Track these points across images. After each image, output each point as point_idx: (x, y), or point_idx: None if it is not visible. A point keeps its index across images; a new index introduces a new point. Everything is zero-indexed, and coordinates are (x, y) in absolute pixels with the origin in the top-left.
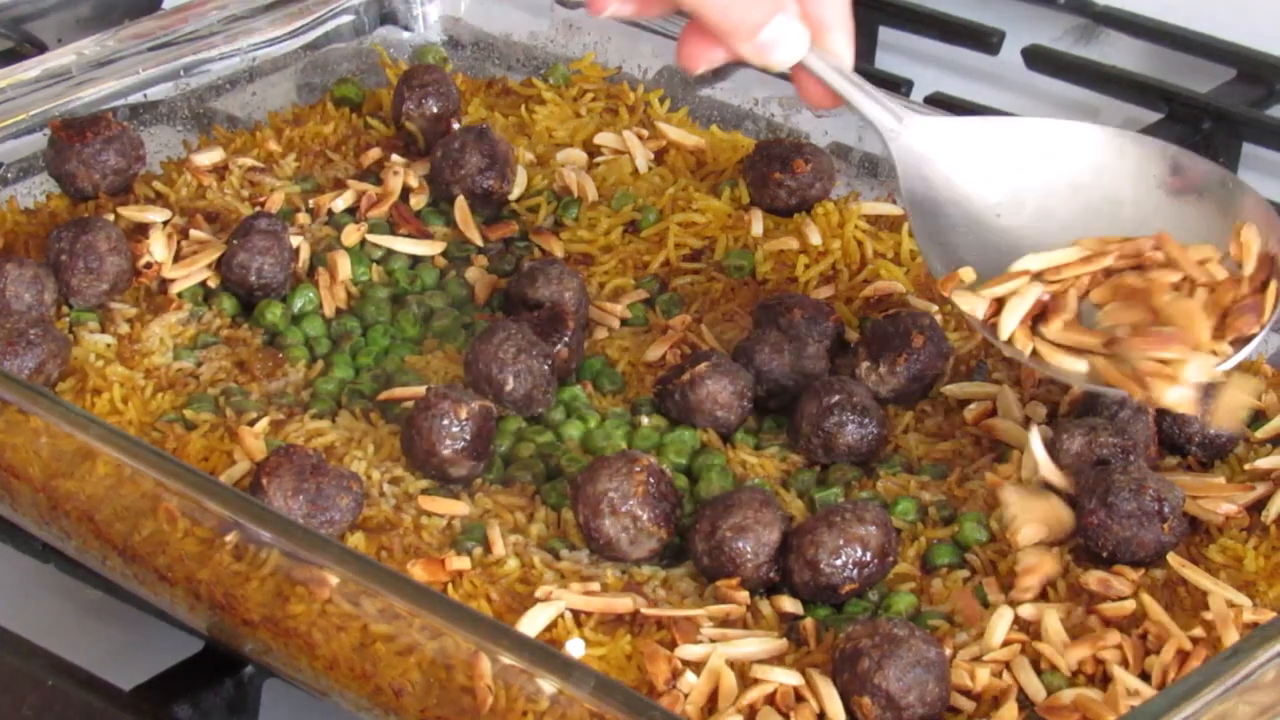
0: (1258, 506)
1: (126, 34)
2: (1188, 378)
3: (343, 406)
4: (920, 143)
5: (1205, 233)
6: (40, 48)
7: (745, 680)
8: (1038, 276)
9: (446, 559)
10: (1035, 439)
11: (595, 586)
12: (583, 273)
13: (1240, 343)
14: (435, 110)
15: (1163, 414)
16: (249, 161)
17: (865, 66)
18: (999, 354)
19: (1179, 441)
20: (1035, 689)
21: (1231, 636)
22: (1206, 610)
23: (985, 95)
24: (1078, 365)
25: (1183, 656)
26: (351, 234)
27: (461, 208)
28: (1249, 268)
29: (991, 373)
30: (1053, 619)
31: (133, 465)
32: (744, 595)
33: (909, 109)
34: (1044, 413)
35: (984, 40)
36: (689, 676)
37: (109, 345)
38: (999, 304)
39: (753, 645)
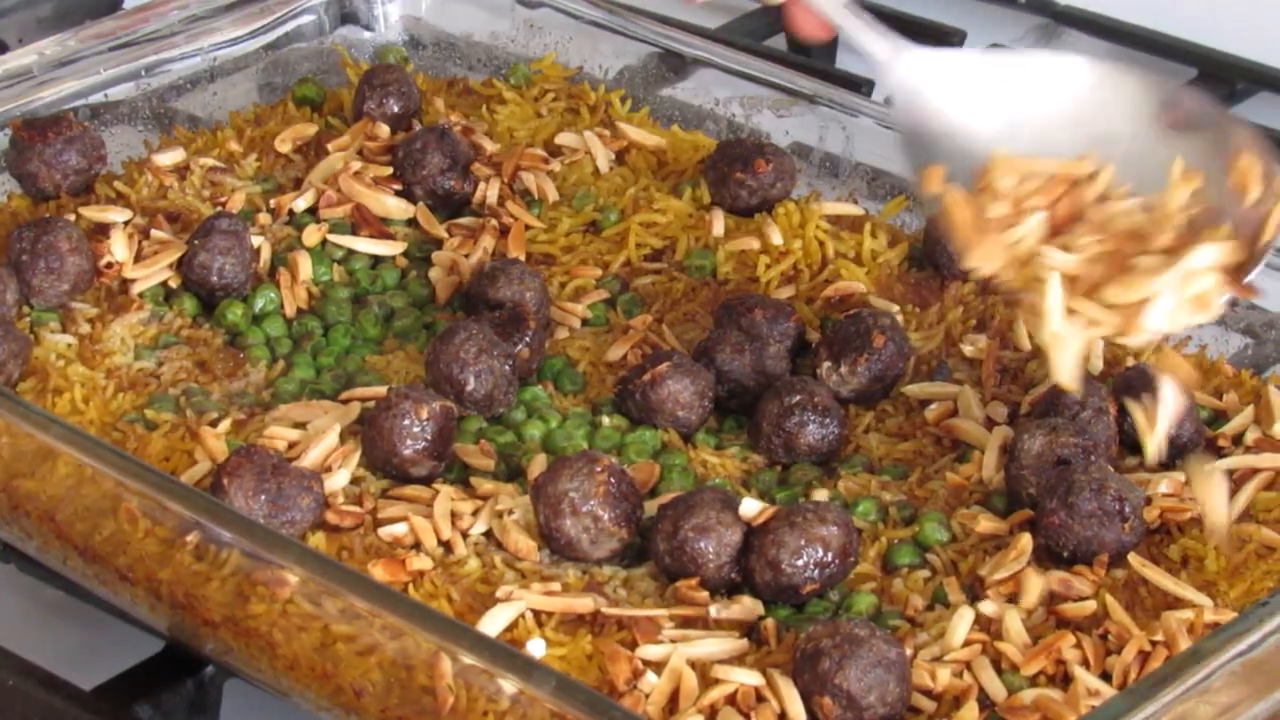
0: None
1: (87, 34)
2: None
3: None
4: (916, 74)
5: (1201, 166)
6: (1, 48)
7: (706, 680)
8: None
9: (407, 559)
10: None
11: (556, 587)
12: (544, 273)
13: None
14: (396, 110)
15: (1124, 414)
16: (210, 161)
17: (825, 66)
18: (960, 354)
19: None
20: (996, 689)
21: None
22: (1167, 610)
23: None
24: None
25: (1144, 657)
26: (312, 234)
27: (422, 209)
28: (1254, 193)
29: (953, 373)
30: (1014, 619)
31: (93, 465)
32: (705, 595)
33: (905, 41)
34: (1005, 413)
35: (945, 40)
36: (650, 676)
37: (70, 345)
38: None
39: (714, 645)
